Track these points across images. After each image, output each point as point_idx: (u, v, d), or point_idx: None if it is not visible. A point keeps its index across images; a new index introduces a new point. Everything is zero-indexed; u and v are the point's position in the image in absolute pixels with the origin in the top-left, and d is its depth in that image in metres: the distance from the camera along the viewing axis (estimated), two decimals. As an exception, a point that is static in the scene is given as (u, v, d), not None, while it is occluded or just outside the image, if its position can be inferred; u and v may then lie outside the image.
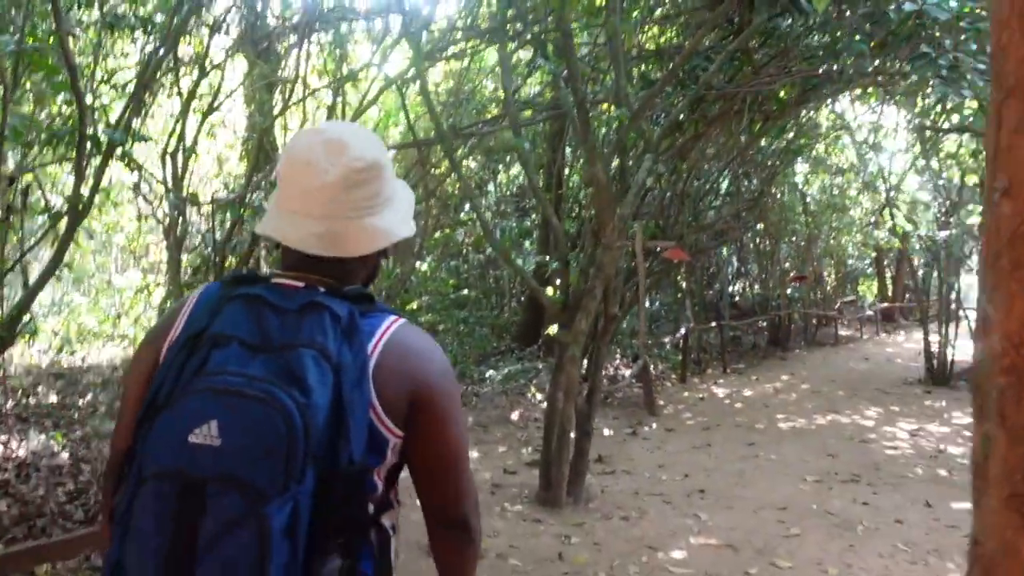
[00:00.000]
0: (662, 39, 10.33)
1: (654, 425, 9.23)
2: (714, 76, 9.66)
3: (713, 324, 15.28)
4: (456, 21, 9.22)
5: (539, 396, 10.24)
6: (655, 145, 6.77)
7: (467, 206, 14.40)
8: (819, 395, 11.50)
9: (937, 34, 8.38)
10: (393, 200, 1.43)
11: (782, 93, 10.45)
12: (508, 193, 17.01)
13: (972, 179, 17.02)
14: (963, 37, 6.45)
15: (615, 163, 6.73)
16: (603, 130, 8.73)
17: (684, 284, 17.20)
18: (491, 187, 16.74)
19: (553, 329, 11.19)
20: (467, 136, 9.46)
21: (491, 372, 11.51)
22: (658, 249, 10.45)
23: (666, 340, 14.54)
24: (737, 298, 25.42)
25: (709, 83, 9.24)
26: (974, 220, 17.52)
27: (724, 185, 13.68)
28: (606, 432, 8.73)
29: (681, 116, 10.15)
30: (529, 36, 6.49)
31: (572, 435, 6.08)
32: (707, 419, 9.59)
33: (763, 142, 12.63)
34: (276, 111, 8.30)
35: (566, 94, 5.93)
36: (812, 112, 14.67)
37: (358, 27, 9.73)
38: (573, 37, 5.76)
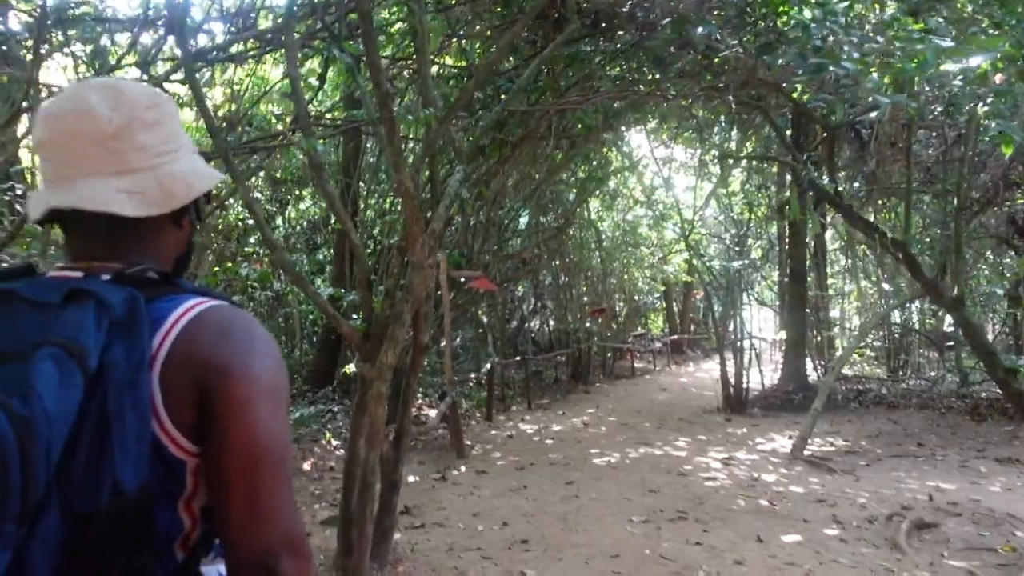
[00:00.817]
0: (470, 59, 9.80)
1: (464, 468, 8.47)
2: (517, 97, 9.28)
3: (517, 359, 14.83)
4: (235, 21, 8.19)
5: (335, 442, 9.21)
6: (467, 156, 6.09)
7: (252, 238, 13.18)
8: (628, 427, 11.26)
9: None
10: (188, 144, 1.27)
11: (587, 119, 10.24)
12: (298, 228, 15.91)
13: (757, 213, 17.98)
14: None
15: (425, 174, 5.99)
16: (409, 144, 8.03)
17: (485, 318, 16.75)
18: (279, 221, 15.56)
19: (350, 368, 10.21)
20: (250, 151, 8.39)
21: (281, 418, 10.30)
22: (463, 280, 9.82)
23: (471, 376, 13.90)
24: (534, 333, 25.55)
25: (511, 104, 8.84)
26: (755, 254, 18.47)
27: (524, 218, 13.49)
28: (412, 479, 7.86)
29: (483, 139, 9.66)
30: (320, 25, 5.64)
31: (376, 487, 5.19)
32: (519, 458, 8.96)
33: (564, 175, 12.51)
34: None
35: (365, 87, 5.12)
36: (609, 148, 14.86)
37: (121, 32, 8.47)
38: (372, 20, 4.97)
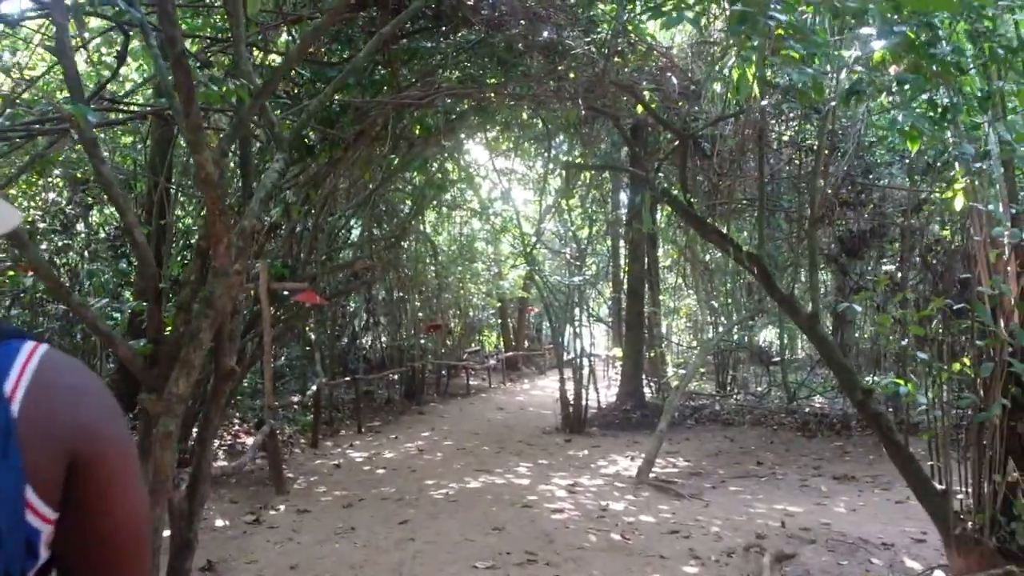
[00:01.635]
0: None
1: (283, 507, 7.43)
2: (351, 87, 8.42)
3: (347, 379, 13.79)
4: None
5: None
6: (288, 147, 5.16)
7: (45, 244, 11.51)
8: (466, 452, 10.54)
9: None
10: None
11: (427, 120, 9.49)
12: (104, 235, 14.16)
13: (595, 229, 17.85)
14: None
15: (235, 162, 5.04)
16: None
17: (313, 335, 15.60)
18: (81, 226, 13.78)
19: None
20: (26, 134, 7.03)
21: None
22: (286, 292, 8.79)
23: (295, 399, 12.76)
24: (366, 351, 24.43)
25: (347, 94, 7.99)
26: (591, 271, 18.33)
27: (356, 228, 12.56)
28: (219, 523, 6.76)
29: (311, 132, 8.74)
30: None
31: (164, 546, 4.17)
32: (347, 493, 8.01)
33: (400, 183, 11.69)
34: None
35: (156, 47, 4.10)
36: (448, 157, 14.19)
37: None
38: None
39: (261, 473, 8.54)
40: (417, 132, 9.29)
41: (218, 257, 4.05)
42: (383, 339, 21.81)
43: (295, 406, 12.37)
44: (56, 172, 11.41)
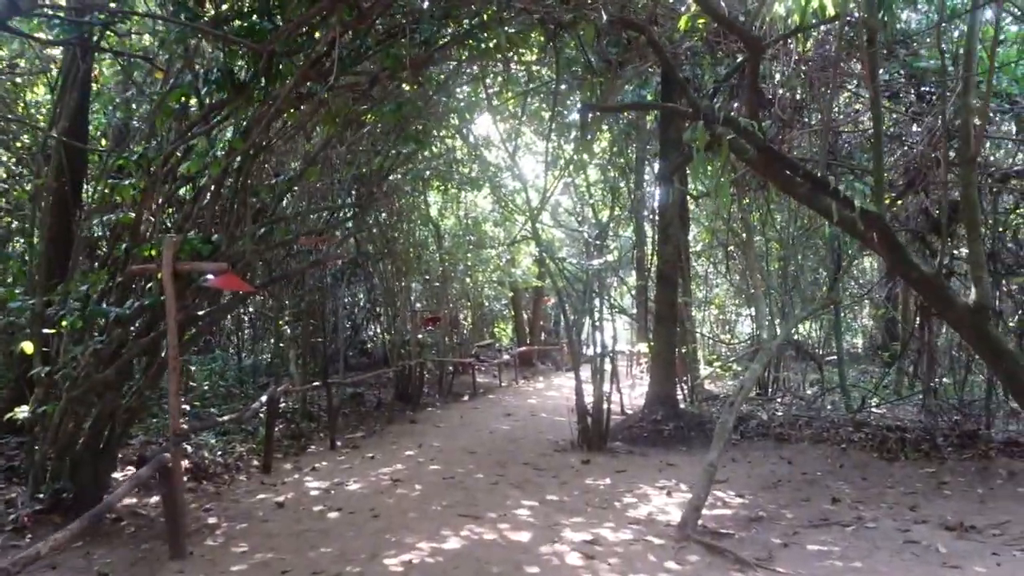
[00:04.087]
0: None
1: (173, 583, 5.16)
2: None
3: (315, 383, 11.53)
4: None
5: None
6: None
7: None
8: (454, 483, 8.22)
9: None
10: None
11: (396, 49, 7.16)
12: None
13: (617, 207, 15.47)
14: None
15: None
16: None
17: (288, 330, 13.38)
18: None
19: (20, 411, 6.66)
20: None
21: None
22: (199, 276, 6.50)
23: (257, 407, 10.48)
24: (368, 345, 22.21)
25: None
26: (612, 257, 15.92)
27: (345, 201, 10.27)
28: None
29: (241, 68, 6.46)
30: None
31: None
32: (271, 556, 5.72)
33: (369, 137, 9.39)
34: None
35: None
36: (440, 126, 11.88)
37: None
38: None
39: (160, 523, 6.28)
40: (387, 62, 6.96)
41: None
42: (384, 335, 19.57)
43: (256, 417, 10.10)
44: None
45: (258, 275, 7.48)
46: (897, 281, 15.22)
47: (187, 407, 11.48)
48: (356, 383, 14.69)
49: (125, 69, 7.87)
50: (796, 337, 16.31)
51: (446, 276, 19.94)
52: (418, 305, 18.35)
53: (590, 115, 7.01)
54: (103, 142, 10.05)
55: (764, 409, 12.92)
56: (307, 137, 8.06)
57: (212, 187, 6.61)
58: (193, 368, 12.69)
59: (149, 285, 6.69)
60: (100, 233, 8.25)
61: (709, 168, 4.92)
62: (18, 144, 10.31)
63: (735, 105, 5.99)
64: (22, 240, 9.14)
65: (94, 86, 9.80)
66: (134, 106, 7.48)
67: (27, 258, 8.55)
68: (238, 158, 6.65)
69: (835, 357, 15.25)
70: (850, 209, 4.19)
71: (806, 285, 16.63)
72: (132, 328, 6.50)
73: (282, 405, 12.16)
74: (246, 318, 18.16)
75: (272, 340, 13.69)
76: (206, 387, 12.47)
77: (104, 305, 6.60)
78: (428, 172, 14.95)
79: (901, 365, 14.82)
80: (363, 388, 15.67)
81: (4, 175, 11.00)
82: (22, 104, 9.91)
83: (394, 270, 17.01)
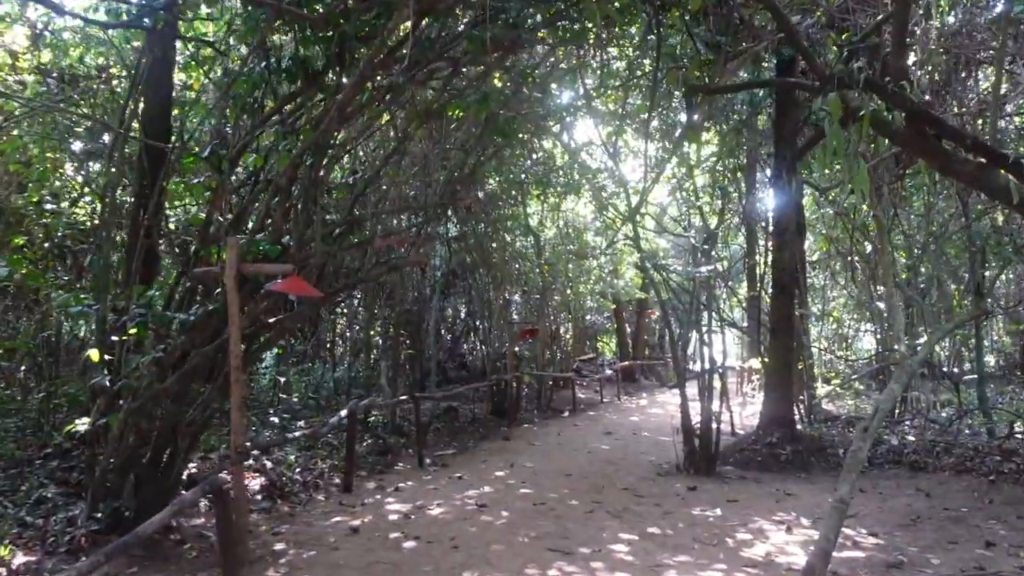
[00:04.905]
0: None
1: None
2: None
3: (402, 396, 10.99)
4: None
5: None
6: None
7: None
8: (545, 510, 7.46)
9: None
10: None
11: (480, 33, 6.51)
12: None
13: (727, 212, 14.46)
14: None
15: None
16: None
17: (380, 340, 12.95)
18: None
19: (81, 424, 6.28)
20: None
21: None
22: (264, 280, 6.00)
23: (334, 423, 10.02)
24: (467, 358, 21.74)
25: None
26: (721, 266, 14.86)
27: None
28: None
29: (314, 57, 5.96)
30: None
31: None
32: (338, 590, 5.12)
33: (458, 131, 8.76)
34: None
35: None
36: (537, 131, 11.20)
37: None
38: None
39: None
40: (465, 46, 6.33)
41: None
42: (483, 347, 19.05)
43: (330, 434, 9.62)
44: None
45: (332, 280, 6.95)
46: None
47: (276, 419, 11.19)
48: (450, 397, 14.12)
49: (195, 59, 7.52)
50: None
51: (546, 288, 19.26)
52: (515, 317, 17.68)
53: (697, 99, 6.21)
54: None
55: (893, 432, 11.63)
56: (392, 134, 7.52)
57: (283, 184, 6.11)
58: (282, 379, 12.39)
59: (217, 291, 6.24)
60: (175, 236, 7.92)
61: (843, 148, 4.04)
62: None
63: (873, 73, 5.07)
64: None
65: (190, 94, 9.61)
66: (228, 112, 7.08)
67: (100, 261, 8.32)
68: (309, 154, 6.14)
69: (972, 376, 13.77)
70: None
71: (938, 297, 15.15)
72: (199, 336, 6.05)
73: (371, 419, 11.71)
74: (345, 328, 17.98)
75: (365, 352, 13.27)
76: (295, 399, 12.14)
77: (173, 311, 6.20)
78: (524, 176, 14.34)
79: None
80: (458, 402, 15.12)
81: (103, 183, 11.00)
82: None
83: (491, 281, 16.45)
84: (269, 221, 6.38)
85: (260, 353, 6.42)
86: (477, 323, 19.49)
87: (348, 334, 17.55)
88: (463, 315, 21.19)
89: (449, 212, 15.25)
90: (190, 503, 4.66)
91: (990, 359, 24.67)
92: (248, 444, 5.91)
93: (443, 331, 21.50)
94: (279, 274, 5.63)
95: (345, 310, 16.94)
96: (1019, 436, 10.73)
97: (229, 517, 5.07)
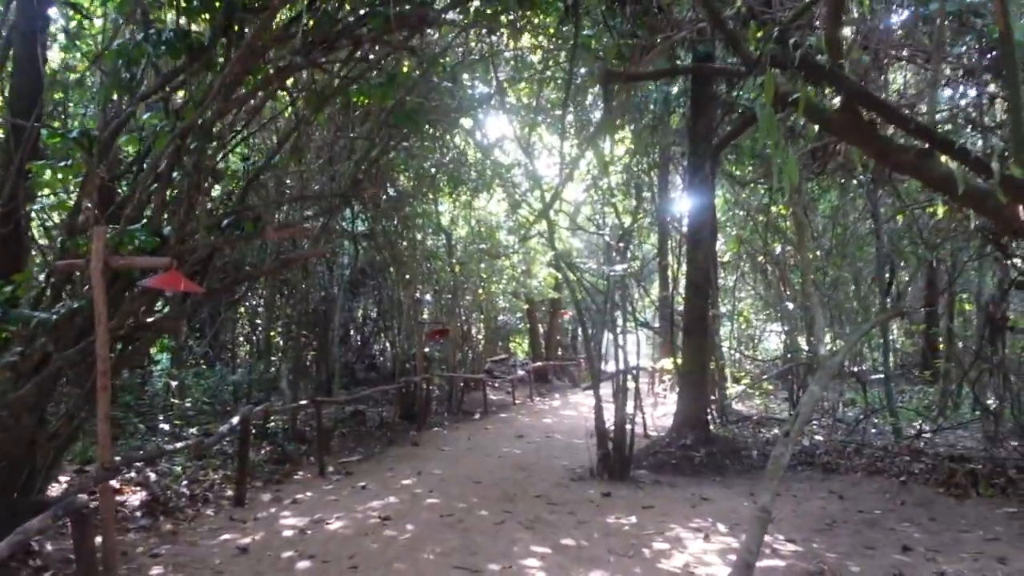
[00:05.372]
0: None
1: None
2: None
3: (303, 401, 10.39)
4: None
5: None
6: None
7: None
8: (452, 522, 7.00)
9: None
10: None
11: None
12: None
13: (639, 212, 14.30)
14: None
15: None
16: None
17: (281, 341, 12.26)
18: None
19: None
20: None
21: None
22: (138, 275, 5.36)
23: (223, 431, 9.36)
24: (380, 360, 21.09)
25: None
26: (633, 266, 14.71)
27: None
28: None
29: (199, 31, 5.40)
30: None
31: None
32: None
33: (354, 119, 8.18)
34: None
35: None
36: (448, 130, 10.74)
37: None
38: None
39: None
40: (369, 24, 5.82)
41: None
42: (401, 347, 18.44)
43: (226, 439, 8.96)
44: None
45: (220, 276, 6.33)
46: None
47: (165, 426, 10.42)
48: (355, 400, 13.52)
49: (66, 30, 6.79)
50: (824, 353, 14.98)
51: (458, 287, 18.82)
52: (425, 316, 17.16)
53: (615, 88, 5.87)
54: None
55: (803, 433, 11.63)
56: (290, 119, 6.94)
57: (162, 169, 5.49)
58: (174, 383, 11.58)
59: (87, 286, 5.58)
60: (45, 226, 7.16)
61: (776, 133, 3.75)
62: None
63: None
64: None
65: (73, 75, 8.79)
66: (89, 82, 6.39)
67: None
68: (193, 137, 5.53)
69: (877, 376, 13.96)
70: (985, 175, 3.01)
71: (849, 297, 15.38)
72: (62, 337, 5.38)
73: (270, 425, 11.04)
74: (248, 329, 17.13)
75: (266, 354, 12.54)
76: (188, 404, 11.35)
77: (43, 310, 5.51)
78: (436, 171, 13.86)
79: (946, 387, 13.51)
80: (365, 406, 14.52)
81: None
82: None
83: (400, 280, 15.90)
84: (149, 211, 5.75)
85: (135, 357, 5.77)
86: (387, 323, 18.89)
87: (253, 335, 16.74)
88: (373, 315, 20.55)
89: (358, 209, 14.69)
90: (37, 531, 4.02)
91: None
92: (118, 459, 5.26)
93: (352, 331, 20.85)
94: (155, 268, 5.03)
95: (247, 309, 16.13)
96: (927, 436, 10.86)
97: (90, 543, 4.45)
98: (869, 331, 10.27)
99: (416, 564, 5.67)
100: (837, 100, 4.17)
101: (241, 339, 17.29)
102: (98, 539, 5.01)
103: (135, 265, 5.06)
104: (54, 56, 8.76)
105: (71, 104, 8.46)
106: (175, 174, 5.68)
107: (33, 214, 6.95)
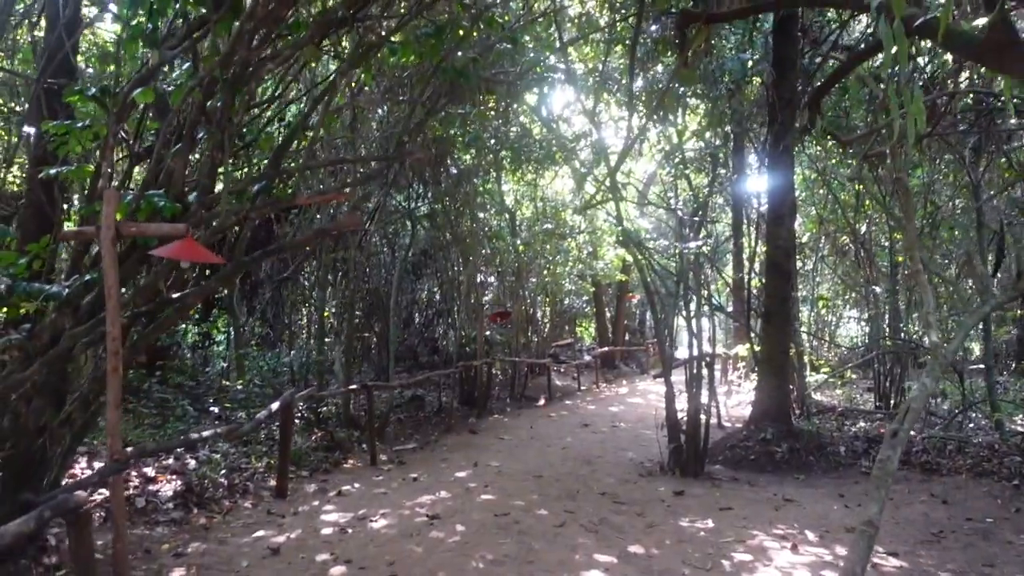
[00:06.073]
0: None
1: None
2: None
3: (354, 386, 9.84)
4: None
5: None
6: None
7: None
8: (506, 526, 6.31)
9: None
10: None
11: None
12: None
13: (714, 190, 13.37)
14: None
15: None
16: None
17: (334, 322, 11.78)
18: None
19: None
20: None
21: None
22: (148, 242, 4.77)
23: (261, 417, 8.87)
24: (443, 343, 20.58)
25: None
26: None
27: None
28: None
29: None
30: None
31: None
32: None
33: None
34: None
35: None
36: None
37: None
38: None
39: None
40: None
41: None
42: (454, 330, 17.88)
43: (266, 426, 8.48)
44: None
45: (247, 247, 5.77)
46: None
47: (215, 409, 10.03)
48: (414, 384, 12.97)
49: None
50: (912, 340, 13.82)
51: (522, 269, 18.15)
52: (486, 299, 16.54)
53: (692, 31, 5.08)
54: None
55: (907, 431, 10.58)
56: (334, 80, 6.32)
57: (184, 128, 4.92)
58: (224, 364, 11.19)
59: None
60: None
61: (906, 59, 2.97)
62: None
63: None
64: None
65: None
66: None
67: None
68: (219, 91, 4.95)
69: (977, 366, 12.80)
70: None
71: (938, 281, 14.17)
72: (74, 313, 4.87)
73: (322, 410, 10.56)
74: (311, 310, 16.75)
75: (320, 336, 12.07)
76: (239, 387, 10.94)
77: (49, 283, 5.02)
78: (499, 147, 13.16)
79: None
80: (424, 390, 13.99)
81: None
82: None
83: (461, 261, 15.31)
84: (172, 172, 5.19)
85: (155, 335, 5.25)
86: (448, 306, 18.35)
87: (314, 316, 16.39)
88: (437, 297, 20.05)
89: (419, 188, 14.12)
90: (13, 535, 3.47)
91: (973, 347, 23.84)
92: (129, 450, 4.73)
93: (416, 314, 20.39)
94: (171, 237, 4.46)
95: (308, 289, 15.76)
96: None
97: (87, 547, 3.91)
98: (988, 315, 9.17)
99: (462, 574, 5.01)
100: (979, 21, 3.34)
101: (303, 320, 16.94)
102: (109, 537, 4.50)
103: (147, 233, 4.50)
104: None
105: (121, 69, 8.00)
106: (198, 133, 5.10)
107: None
